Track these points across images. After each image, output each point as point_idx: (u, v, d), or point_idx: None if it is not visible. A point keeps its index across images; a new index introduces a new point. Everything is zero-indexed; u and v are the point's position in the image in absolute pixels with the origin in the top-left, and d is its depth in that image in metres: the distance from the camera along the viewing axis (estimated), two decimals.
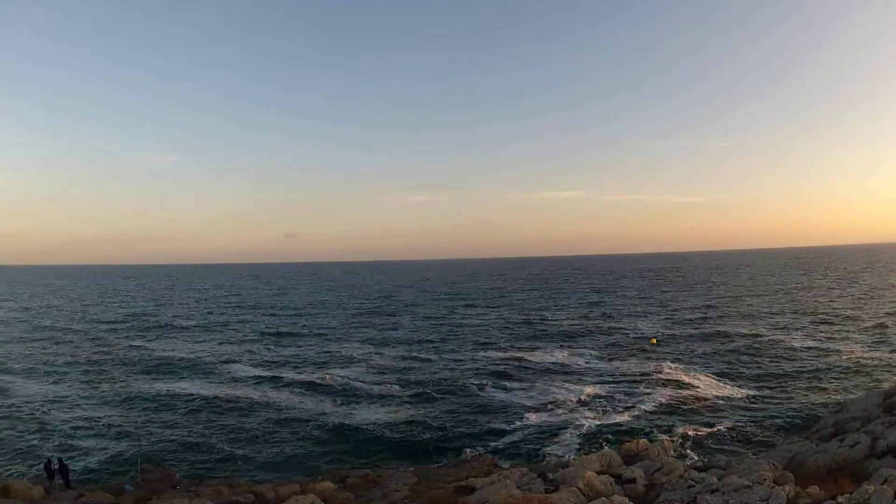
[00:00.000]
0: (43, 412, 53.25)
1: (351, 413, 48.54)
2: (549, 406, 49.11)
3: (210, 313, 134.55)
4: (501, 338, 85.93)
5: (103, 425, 49.36)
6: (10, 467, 40.43)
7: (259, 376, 63.57)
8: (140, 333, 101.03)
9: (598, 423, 44.22)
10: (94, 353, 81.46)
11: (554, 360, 68.11)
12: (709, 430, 41.55)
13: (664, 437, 39.42)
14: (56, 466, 33.65)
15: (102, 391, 60.18)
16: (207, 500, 24.93)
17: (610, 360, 68.28)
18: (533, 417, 46.05)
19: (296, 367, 68.92)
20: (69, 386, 62.63)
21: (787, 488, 13.74)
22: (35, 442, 46.44)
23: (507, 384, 57.05)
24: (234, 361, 72.52)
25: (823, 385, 52.95)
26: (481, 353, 73.19)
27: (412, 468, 31.23)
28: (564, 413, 47.06)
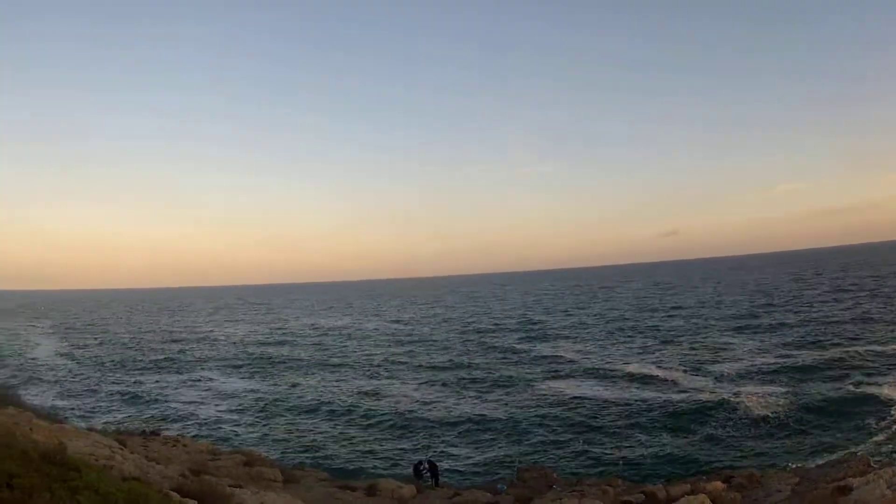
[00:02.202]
0: (415, 413, 57.94)
1: (734, 412, 50.22)
2: None
3: (591, 318, 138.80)
4: (881, 330, 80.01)
5: (476, 426, 53.11)
6: (378, 467, 43.17)
7: (645, 375, 67.34)
8: (523, 337, 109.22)
9: None
10: (469, 356, 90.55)
11: None
12: None
13: None
14: (426, 466, 34.32)
15: (477, 391, 66.48)
16: (595, 500, 25.11)
17: None
18: None
19: (681, 364, 71.96)
20: (441, 388, 69.07)
21: None
22: (404, 442, 50.06)
23: (881, 380, 54.94)
24: (620, 361, 77.14)
25: None
26: (858, 346, 69.99)
27: (793, 468, 32.15)
28: None
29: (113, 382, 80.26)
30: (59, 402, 66.30)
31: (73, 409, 63.84)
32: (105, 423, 54.16)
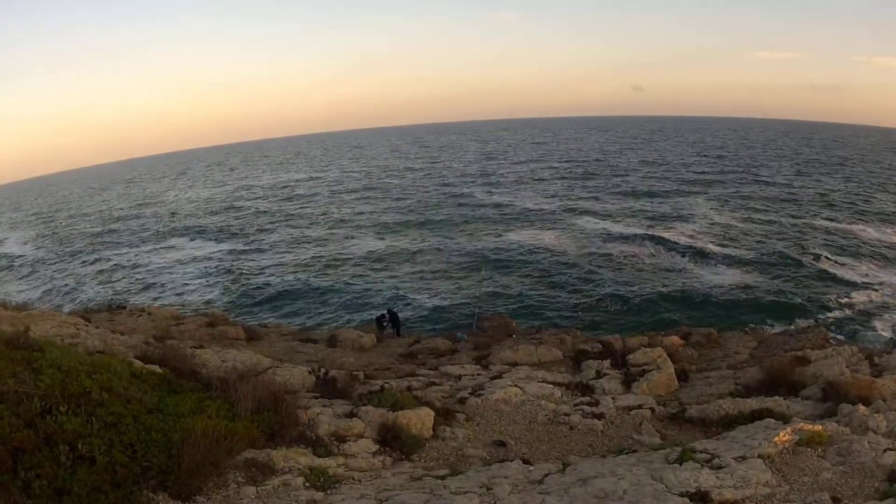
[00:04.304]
0: (377, 265, 59.60)
1: (694, 272, 52.19)
2: (877, 286, 48.61)
3: (553, 168, 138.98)
4: (845, 210, 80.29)
5: (437, 275, 54.87)
6: (342, 320, 44.28)
7: (607, 229, 68.85)
8: (483, 187, 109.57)
9: None
10: (429, 206, 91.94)
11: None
12: None
13: None
14: (387, 317, 34.72)
15: (438, 241, 67.75)
16: (553, 347, 25.05)
17: None
18: (860, 296, 46.28)
19: (644, 220, 73.60)
20: (401, 239, 70.28)
21: None
22: (367, 294, 51.00)
23: (841, 259, 56.46)
24: (582, 213, 78.69)
25: None
26: (820, 223, 71.14)
27: (751, 332, 32.86)
28: (891, 295, 46.59)
29: (81, 264, 78.81)
30: (30, 293, 65.43)
31: (43, 297, 63.28)
32: (75, 304, 54.85)
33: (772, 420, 12.63)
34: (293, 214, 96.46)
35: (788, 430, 11.07)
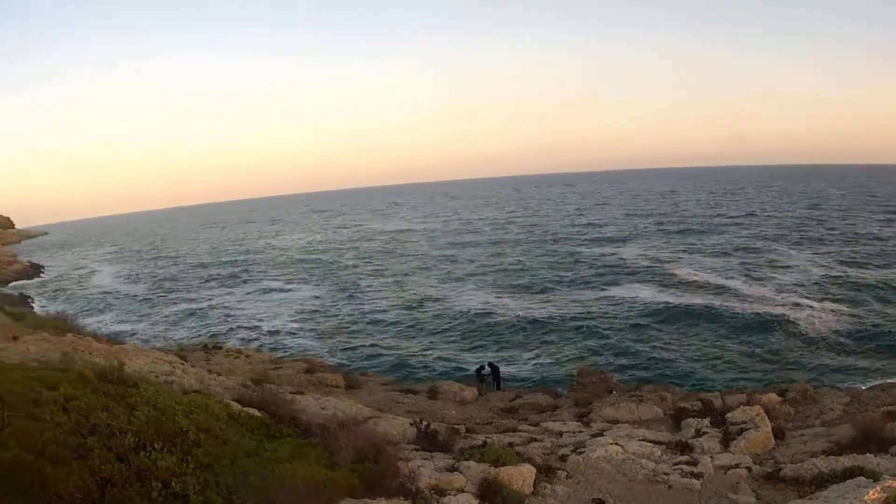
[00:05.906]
0: (476, 317, 58.64)
1: (791, 326, 50.48)
2: None
3: (652, 220, 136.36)
4: None
5: (536, 329, 54.00)
6: (440, 372, 43.13)
7: (707, 282, 67.48)
8: (580, 241, 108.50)
9: None
10: (526, 258, 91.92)
11: None
12: None
13: None
14: (487, 370, 35.02)
15: (534, 295, 67.42)
16: (653, 405, 25.56)
17: None
18: None
19: (741, 273, 71.57)
20: (500, 292, 69.77)
21: None
22: (466, 346, 50.50)
23: None
24: (682, 267, 77.01)
25: None
26: None
27: (845, 388, 32.46)
28: None
29: (174, 301, 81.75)
30: (121, 327, 67.29)
31: (134, 331, 64.79)
32: (167, 340, 56.45)
33: (863, 478, 13.03)
34: (391, 263, 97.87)
35: (878, 487, 11.36)
